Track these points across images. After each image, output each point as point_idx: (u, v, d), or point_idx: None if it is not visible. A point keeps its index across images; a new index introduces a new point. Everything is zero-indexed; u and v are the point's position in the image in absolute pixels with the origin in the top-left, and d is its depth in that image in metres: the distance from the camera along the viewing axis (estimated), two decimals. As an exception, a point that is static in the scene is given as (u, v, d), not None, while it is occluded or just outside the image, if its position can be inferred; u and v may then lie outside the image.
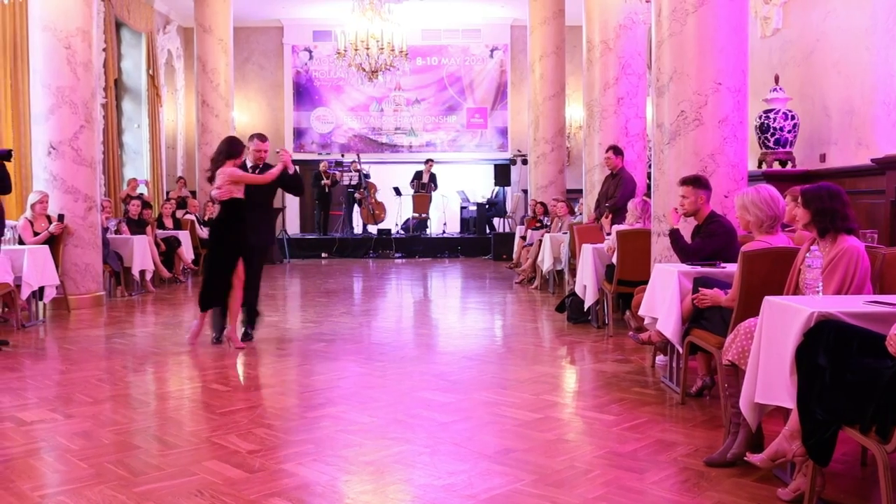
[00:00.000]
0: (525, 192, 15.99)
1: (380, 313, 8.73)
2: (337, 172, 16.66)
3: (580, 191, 10.70)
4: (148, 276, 10.07)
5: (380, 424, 4.09)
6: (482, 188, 17.83)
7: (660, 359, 5.28)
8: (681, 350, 4.44)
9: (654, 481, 3.23)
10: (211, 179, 6.21)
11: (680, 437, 3.82)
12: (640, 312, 4.97)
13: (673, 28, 5.55)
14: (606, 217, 8.05)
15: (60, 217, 8.14)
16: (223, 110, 13.95)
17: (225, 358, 5.91)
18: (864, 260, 3.38)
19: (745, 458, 3.17)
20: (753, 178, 6.31)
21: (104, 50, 12.80)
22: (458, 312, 8.86)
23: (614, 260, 6.55)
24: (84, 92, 8.52)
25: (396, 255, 15.57)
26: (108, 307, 8.64)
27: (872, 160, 6.17)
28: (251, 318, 6.56)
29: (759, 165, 7.35)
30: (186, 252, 11.35)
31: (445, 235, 16.91)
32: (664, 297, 4.59)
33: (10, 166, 6.52)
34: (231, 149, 6.20)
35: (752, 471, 3.22)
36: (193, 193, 14.11)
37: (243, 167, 6.37)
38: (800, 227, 3.69)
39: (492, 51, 18.37)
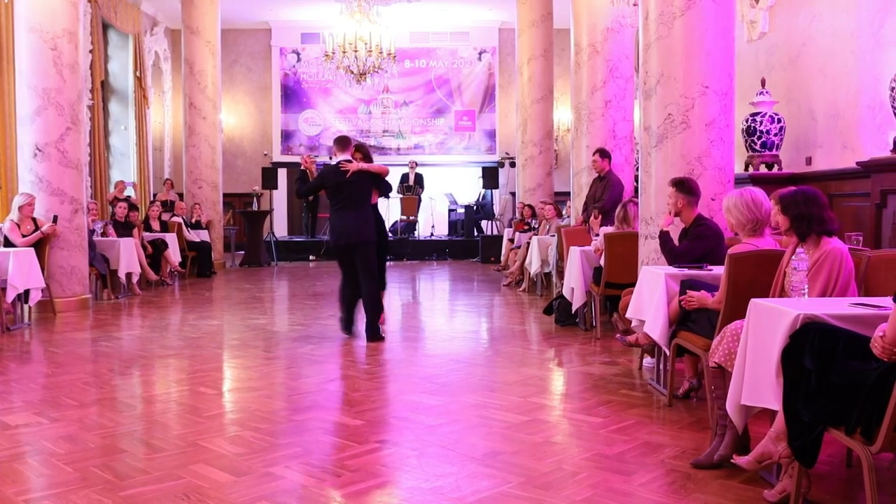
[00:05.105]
0: (513, 194, 15.99)
1: (368, 316, 8.70)
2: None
3: (568, 193, 10.74)
4: (134, 279, 10.02)
5: (367, 427, 4.09)
6: (470, 191, 17.82)
7: (647, 361, 5.30)
8: (668, 352, 4.45)
9: (641, 483, 3.24)
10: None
11: (667, 439, 3.83)
12: (628, 315, 4.99)
13: (660, 31, 5.57)
14: (595, 218, 8.07)
15: (55, 218, 8.09)
16: (211, 112, 13.91)
17: (211, 361, 5.89)
18: (847, 262, 3.40)
19: (732, 460, 3.19)
20: (740, 181, 6.34)
21: (91, 51, 12.74)
22: (445, 315, 8.85)
23: (602, 262, 6.57)
24: (70, 94, 8.47)
25: (384, 257, 15.51)
26: (95, 310, 8.59)
27: (858, 163, 6.21)
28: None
29: (746, 168, 7.39)
30: (173, 254, 11.28)
31: (433, 238, 16.88)
32: (651, 300, 4.61)
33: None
34: None
35: (739, 472, 3.23)
36: (181, 196, 14.04)
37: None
38: (782, 232, 3.71)
39: (480, 53, 18.39)
